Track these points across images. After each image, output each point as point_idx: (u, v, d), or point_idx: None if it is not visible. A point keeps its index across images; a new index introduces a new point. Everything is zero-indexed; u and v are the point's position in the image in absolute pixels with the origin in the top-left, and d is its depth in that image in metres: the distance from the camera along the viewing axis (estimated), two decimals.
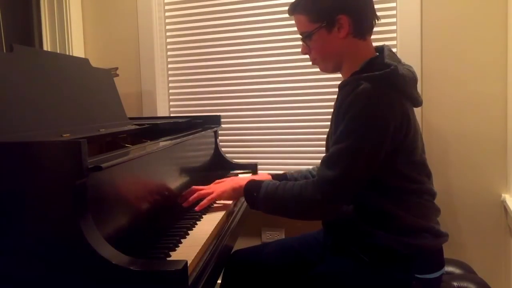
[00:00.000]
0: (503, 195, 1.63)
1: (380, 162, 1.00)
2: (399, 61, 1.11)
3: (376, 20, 1.13)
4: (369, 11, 1.10)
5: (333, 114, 1.14)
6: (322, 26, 1.09)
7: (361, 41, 1.10)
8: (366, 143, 0.98)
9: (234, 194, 1.22)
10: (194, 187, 1.26)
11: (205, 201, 1.20)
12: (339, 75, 1.75)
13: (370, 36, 1.13)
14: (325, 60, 1.16)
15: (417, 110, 1.66)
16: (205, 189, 1.24)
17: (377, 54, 1.14)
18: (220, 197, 1.22)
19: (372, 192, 1.04)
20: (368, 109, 0.98)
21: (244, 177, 1.31)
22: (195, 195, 1.21)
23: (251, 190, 1.14)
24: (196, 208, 1.18)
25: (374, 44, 1.16)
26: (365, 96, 0.99)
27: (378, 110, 0.98)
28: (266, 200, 1.10)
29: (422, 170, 1.10)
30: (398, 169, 1.04)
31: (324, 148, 1.27)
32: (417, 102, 1.11)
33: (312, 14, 1.10)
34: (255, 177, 1.30)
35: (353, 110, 0.99)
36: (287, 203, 1.07)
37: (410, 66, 1.13)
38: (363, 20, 1.09)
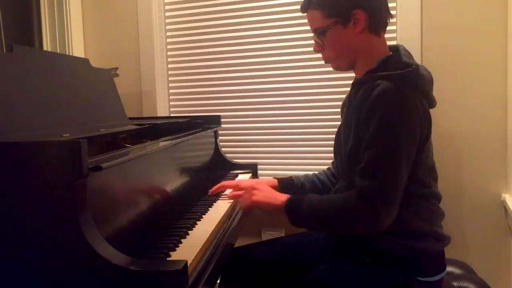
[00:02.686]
0: (503, 195, 1.63)
1: None
2: (414, 60, 1.09)
3: (390, 17, 1.12)
4: (383, 7, 1.10)
5: (348, 111, 1.11)
6: (338, 21, 1.07)
7: (376, 37, 1.09)
8: (401, 145, 0.96)
9: (271, 208, 1.13)
10: (224, 183, 1.33)
11: (243, 202, 1.18)
12: (341, 75, 1.75)
13: (384, 32, 1.12)
14: (339, 56, 1.13)
15: None
16: (247, 187, 1.20)
17: (391, 53, 1.12)
18: (257, 205, 1.15)
19: None
20: (395, 110, 0.96)
21: (264, 187, 1.21)
22: (219, 185, 1.30)
23: (293, 207, 1.07)
24: (228, 195, 1.25)
25: (388, 44, 1.16)
26: (389, 96, 0.97)
27: (405, 110, 0.97)
28: (309, 217, 1.05)
29: (431, 173, 1.09)
30: (414, 172, 1.02)
31: (330, 148, 1.24)
32: (433, 103, 1.08)
33: (327, 9, 1.08)
34: (265, 182, 1.30)
35: (379, 112, 0.96)
36: (333, 220, 1.02)
37: (425, 67, 1.12)
38: (379, 15, 1.08)
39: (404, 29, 1.70)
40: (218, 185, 1.34)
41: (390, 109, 0.96)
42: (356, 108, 1.03)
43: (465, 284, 1.15)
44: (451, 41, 1.66)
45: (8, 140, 0.87)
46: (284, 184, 1.33)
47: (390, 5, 1.68)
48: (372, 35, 1.08)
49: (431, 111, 1.09)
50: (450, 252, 1.14)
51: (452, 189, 1.69)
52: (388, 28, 1.71)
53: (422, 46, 1.68)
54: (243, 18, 1.93)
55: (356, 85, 1.11)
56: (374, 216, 0.95)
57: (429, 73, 1.09)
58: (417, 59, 1.65)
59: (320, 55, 1.18)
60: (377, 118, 0.96)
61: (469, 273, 1.25)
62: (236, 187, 1.29)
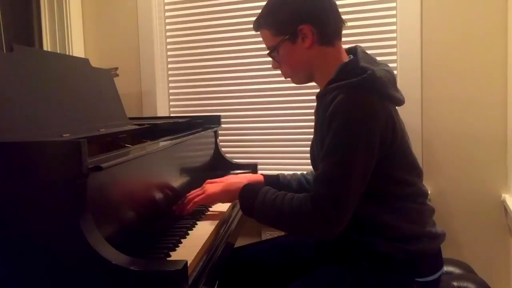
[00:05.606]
0: (503, 195, 1.63)
1: (372, 170, 0.98)
2: (374, 61, 1.09)
3: (343, 24, 1.11)
4: (332, 17, 1.08)
5: (316, 124, 1.12)
6: (286, 39, 1.07)
7: (329, 48, 1.08)
8: (357, 153, 0.95)
9: (225, 196, 1.16)
10: (187, 195, 1.20)
11: (190, 204, 1.15)
12: None
13: (340, 41, 1.10)
14: (295, 72, 1.14)
15: (417, 110, 1.68)
16: (196, 191, 1.19)
17: (351, 56, 1.10)
18: (210, 198, 1.16)
19: (365, 201, 1.00)
20: (351, 119, 0.96)
21: (239, 179, 1.26)
22: (185, 200, 1.17)
23: (248, 196, 1.07)
24: (183, 213, 1.13)
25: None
26: (345, 107, 0.96)
27: (361, 119, 0.96)
28: (262, 210, 1.04)
29: (413, 171, 1.08)
30: (391, 173, 1.02)
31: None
32: (399, 101, 1.07)
33: (274, 28, 1.09)
34: (250, 178, 1.28)
35: (336, 122, 0.96)
36: (284, 220, 1.01)
37: (386, 65, 1.10)
38: (327, 26, 1.06)
39: (404, 29, 1.70)
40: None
41: (346, 119, 0.96)
42: (321, 123, 1.04)
43: (465, 284, 1.15)
44: (451, 41, 1.66)
45: (8, 140, 0.87)
46: (270, 181, 1.32)
47: (390, 5, 1.72)
48: (324, 46, 1.07)
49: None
50: (449, 252, 1.14)
51: (452, 189, 1.69)
52: (388, 28, 1.75)
53: (422, 46, 1.68)
54: (243, 18, 1.93)
55: (319, 98, 1.11)
56: (325, 224, 0.95)
57: (389, 72, 1.07)
58: (417, 59, 1.67)
59: None
60: (334, 129, 0.96)
61: (469, 273, 1.25)
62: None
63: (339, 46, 1.10)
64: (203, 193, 1.17)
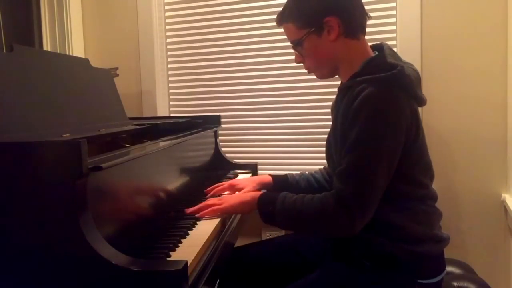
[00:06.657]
0: (503, 195, 1.63)
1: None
2: (400, 59, 1.09)
3: (368, 18, 1.11)
4: (357, 9, 1.08)
5: (336, 117, 1.10)
6: (312, 31, 1.06)
7: (354, 41, 1.07)
8: (383, 150, 0.95)
9: (243, 207, 1.12)
10: (206, 201, 1.17)
11: (209, 210, 1.12)
12: None
13: (364, 35, 1.10)
14: (320, 66, 1.13)
15: None
16: (215, 200, 1.17)
17: (376, 52, 1.11)
18: (228, 209, 1.13)
19: None
20: (379, 114, 0.95)
21: (249, 182, 1.31)
22: (202, 204, 1.15)
23: (267, 203, 1.05)
24: (198, 215, 1.12)
25: (373, 43, 1.15)
26: (373, 101, 0.95)
27: (388, 113, 0.95)
28: (283, 215, 1.02)
29: (427, 173, 1.08)
30: (406, 173, 1.01)
31: (323, 149, 1.24)
32: (422, 102, 1.07)
33: (299, 21, 1.08)
34: (259, 179, 1.31)
35: (363, 115, 0.95)
36: (307, 220, 1.00)
37: (412, 64, 1.11)
38: (353, 19, 1.06)
39: (404, 29, 1.70)
40: (215, 189, 1.34)
41: (373, 114, 0.95)
42: (343, 116, 1.02)
43: (465, 284, 1.15)
44: (451, 41, 1.66)
45: (9, 140, 0.87)
46: (278, 182, 1.32)
47: (390, 5, 1.72)
48: (349, 39, 1.07)
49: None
50: (450, 252, 1.14)
51: (453, 189, 1.69)
52: (388, 28, 1.75)
53: (422, 46, 1.68)
54: (243, 18, 1.93)
55: (342, 91, 1.10)
56: (349, 221, 0.94)
57: (415, 71, 1.07)
58: (417, 59, 1.67)
59: None
60: (360, 123, 0.95)
61: (469, 273, 1.25)
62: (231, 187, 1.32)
63: (363, 40, 1.10)
64: (221, 203, 1.14)
